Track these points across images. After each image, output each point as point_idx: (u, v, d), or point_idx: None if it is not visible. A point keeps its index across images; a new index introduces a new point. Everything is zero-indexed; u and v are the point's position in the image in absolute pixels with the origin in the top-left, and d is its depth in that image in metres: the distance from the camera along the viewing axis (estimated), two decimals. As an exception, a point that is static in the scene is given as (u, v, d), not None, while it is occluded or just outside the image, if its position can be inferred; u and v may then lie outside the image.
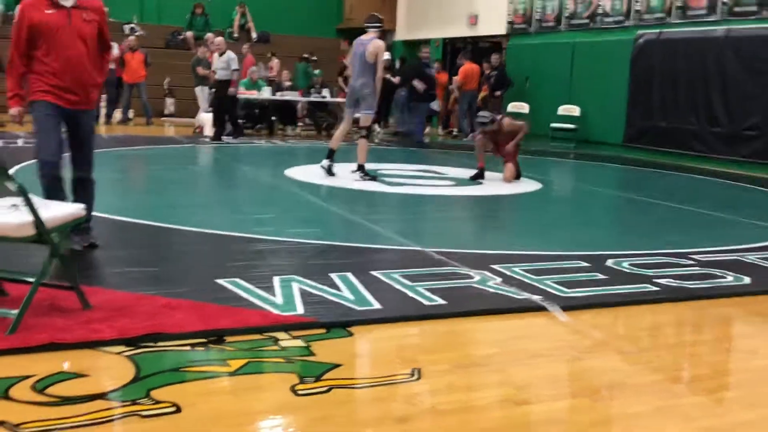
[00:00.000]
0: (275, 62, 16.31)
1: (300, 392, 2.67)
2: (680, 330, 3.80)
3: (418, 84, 13.16)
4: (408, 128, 15.06)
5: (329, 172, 8.32)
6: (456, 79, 15.16)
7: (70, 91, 4.19)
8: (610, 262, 4.76)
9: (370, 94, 8.14)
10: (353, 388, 2.79)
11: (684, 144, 12.11)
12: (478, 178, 8.82)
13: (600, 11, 13.98)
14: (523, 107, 14.81)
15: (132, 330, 3.11)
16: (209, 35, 16.05)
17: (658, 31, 12.67)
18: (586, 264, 4.70)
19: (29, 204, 3.08)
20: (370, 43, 8.09)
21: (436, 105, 14.17)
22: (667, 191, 8.83)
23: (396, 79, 14.67)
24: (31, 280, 3.19)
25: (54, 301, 3.38)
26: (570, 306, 3.81)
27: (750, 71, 11.06)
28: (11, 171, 3.14)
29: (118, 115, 14.94)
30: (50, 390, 2.57)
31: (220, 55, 12.16)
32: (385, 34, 8.30)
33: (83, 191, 4.40)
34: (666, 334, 3.74)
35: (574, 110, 14.22)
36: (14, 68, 4.16)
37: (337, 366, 2.91)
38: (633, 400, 2.78)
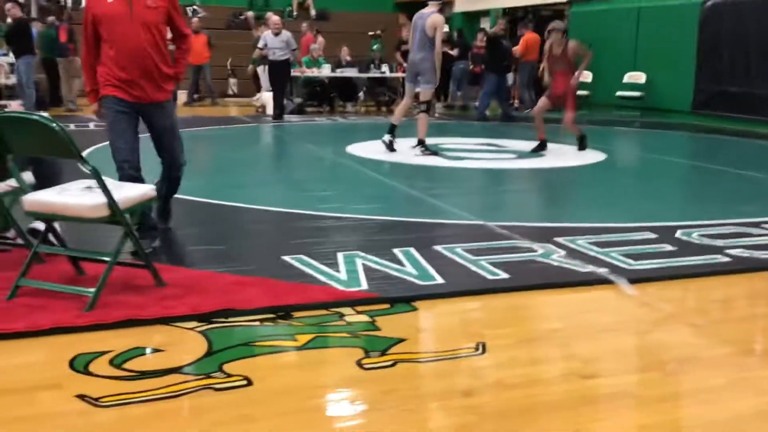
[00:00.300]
0: (320, 40, 16.30)
1: (366, 366, 2.72)
2: (752, 302, 3.70)
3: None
4: (467, 101, 15.08)
5: (390, 147, 8.33)
6: (516, 49, 14.92)
7: (136, 85, 3.97)
8: (678, 233, 4.65)
9: (429, 68, 8.10)
10: (418, 362, 2.83)
11: (755, 110, 11.65)
12: (540, 150, 8.69)
13: (666, -26, 13.50)
14: (587, 75, 14.47)
15: (204, 306, 3.21)
16: (269, 14, 16.18)
17: (727, -8, 12.18)
18: (653, 235, 4.61)
19: (103, 186, 3.20)
20: (429, 17, 8.03)
21: (510, 77, 13.95)
22: (737, 159, 8.55)
23: (454, 52, 14.58)
24: (106, 259, 3.31)
25: (129, 279, 3.51)
26: (637, 278, 3.75)
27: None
28: (84, 153, 3.25)
29: (183, 96, 15.24)
30: (127, 365, 2.68)
31: (276, 34, 12.04)
32: (445, 7, 8.21)
33: (168, 186, 4.39)
34: (737, 307, 3.65)
35: (640, 77, 13.83)
36: (86, 63, 4.08)
37: (401, 340, 2.95)
38: (704, 373, 2.73)
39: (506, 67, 13.27)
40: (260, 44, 12.33)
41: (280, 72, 12.24)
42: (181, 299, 3.29)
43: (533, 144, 8.81)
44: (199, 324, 3.08)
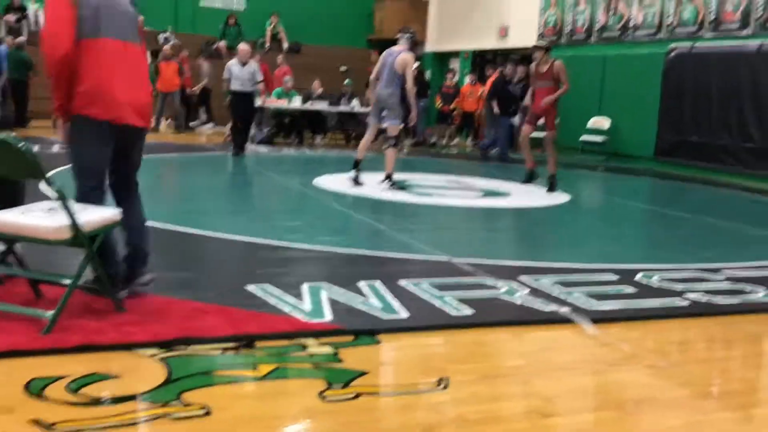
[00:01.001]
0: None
1: (328, 398, 2.69)
2: (710, 345, 3.76)
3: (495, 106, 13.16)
4: (424, 137, 15.34)
5: (356, 182, 8.36)
6: (484, 90, 15.19)
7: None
8: (639, 276, 4.73)
9: (396, 104, 8.19)
10: (380, 395, 2.81)
11: (716, 158, 11.98)
12: (530, 180, 8.78)
13: (631, 24, 13.91)
14: (515, 118, 14.72)
15: (164, 333, 3.17)
16: (241, 45, 16.25)
17: (690, 44, 12.57)
18: (615, 277, 4.68)
19: (66, 207, 3.16)
20: (399, 55, 8.14)
21: (516, 120, 13.96)
22: (697, 206, 8.75)
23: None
24: (66, 282, 3.26)
25: (88, 303, 3.45)
26: (598, 319, 3.80)
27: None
28: (48, 174, 3.21)
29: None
30: (84, 390, 2.63)
31: (243, 65, 11.48)
32: (416, 45, 8.33)
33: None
34: (696, 349, 3.71)
35: (605, 123, 14.14)
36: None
37: (364, 373, 2.94)
38: (662, 414, 2.76)
39: (513, 111, 13.19)
40: (225, 74, 11.59)
41: (244, 105, 11.54)
42: (141, 325, 3.24)
43: (500, 183, 8.92)
44: (159, 351, 3.03)
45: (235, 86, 11.38)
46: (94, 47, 3.37)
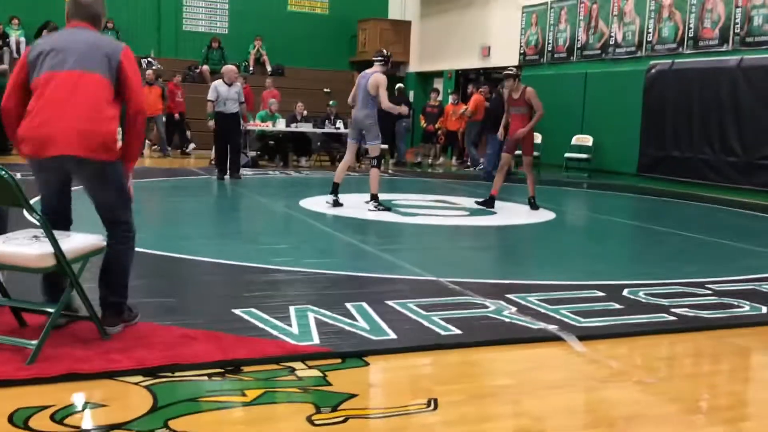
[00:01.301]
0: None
1: (316, 422, 2.67)
2: (698, 360, 3.77)
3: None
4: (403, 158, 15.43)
5: (336, 204, 8.37)
6: (469, 107, 15.30)
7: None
8: (626, 292, 4.74)
9: (373, 124, 8.25)
10: (369, 418, 2.79)
11: (698, 173, 12.09)
12: (487, 205, 8.80)
13: (612, 42, 14.07)
14: (537, 137, 14.86)
15: (150, 360, 3.14)
16: (228, 66, 16.28)
17: (670, 61, 12.72)
18: (601, 294, 4.69)
19: (50, 235, 3.13)
20: (372, 76, 8.22)
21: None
22: (681, 221, 8.81)
23: (401, 109, 14.87)
24: (50, 310, 3.22)
25: (73, 331, 3.41)
26: (586, 336, 3.80)
27: (763, 100, 11.06)
28: (31, 202, 3.19)
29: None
30: (69, 420, 2.59)
31: (230, 85, 11.02)
32: (389, 66, 8.35)
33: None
34: (683, 364, 3.71)
35: (588, 140, 14.25)
36: None
37: (353, 396, 2.92)
38: (651, 430, 2.76)
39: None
40: (211, 95, 11.02)
41: (231, 126, 11.14)
42: (126, 353, 3.21)
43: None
44: (145, 378, 3.00)
45: (221, 107, 10.95)
46: (34, 88, 3.35)
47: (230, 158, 11.17)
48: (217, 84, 11.08)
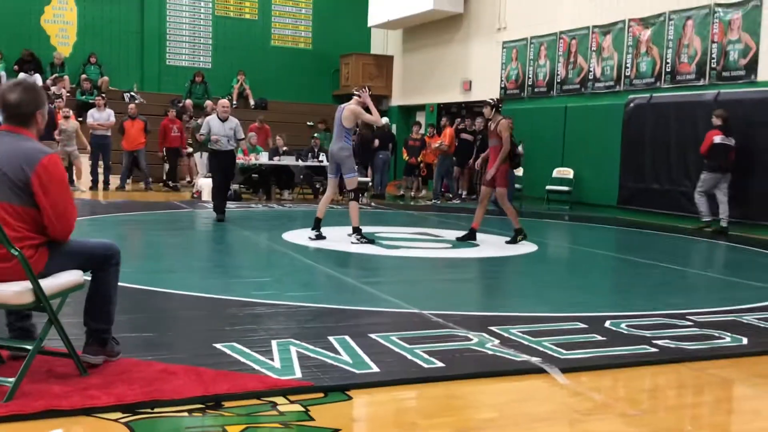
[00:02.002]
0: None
1: (299, 458, 2.64)
2: (681, 391, 3.78)
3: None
4: (382, 191, 15.49)
5: (318, 238, 8.36)
6: (444, 141, 15.48)
7: None
8: (608, 324, 4.76)
9: (348, 156, 8.28)
10: (352, 453, 2.77)
11: (677, 205, 12.21)
12: (468, 238, 8.78)
13: (591, 77, 14.28)
14: (518, 170, 14.99)
15: (129, 396, 3.09)
16: (209, 102, 16.36)
17: (648, 95, 12.92)
18: (583, 325, 4.70)
19: (29, 271, 3.10)
20: (346, 107, 8.28)
21: (520, 171, 13.36)
22: (662, 252, 8.87)
23: (375, 142, 15.03)
24: (28, 347, 3.18)
25: (51, 367, 3.36)
26: (569, 368, 3.80)
27: (740, 134, 11.21)
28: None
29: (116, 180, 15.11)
30: (46, 458, 2.54)
31: (223, 120, 10.16)
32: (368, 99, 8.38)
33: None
34: (666, 396, 3.72)
35: (568, 173, 14.39)
36: None
37: (336, 431, 2.89)
38: (635, 463, 2.75)
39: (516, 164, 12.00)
40: (203, 130, 10.31)
41: (225, 164, 10.29)
42: (105, 389, 3.16)
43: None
44: (124, 415, 2.95)
45: (214, 145, 10.15)
46: None
47: (219, 199, 10.39)
48: (210, 119, 10.35)
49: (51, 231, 3.25)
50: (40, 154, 3.21)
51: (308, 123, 19.11)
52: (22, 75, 17.19)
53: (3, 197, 3.16)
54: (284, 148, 15.14)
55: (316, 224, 8.43)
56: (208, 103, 16.35)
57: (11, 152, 3.20)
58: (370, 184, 15.28)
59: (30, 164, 3.17)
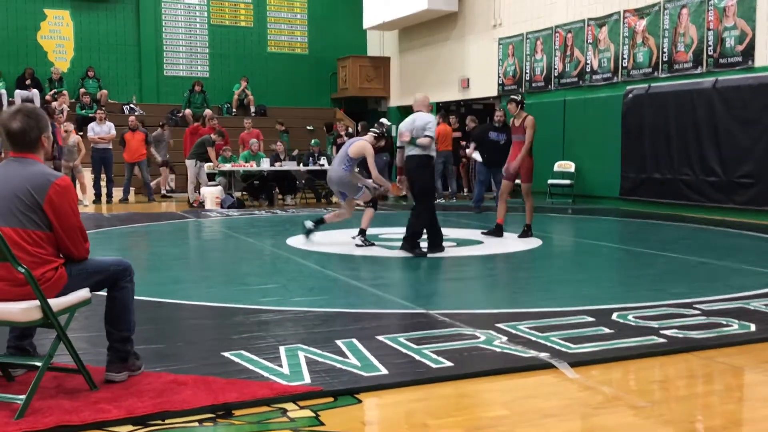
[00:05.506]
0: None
1: (311, 463, 2.65)
2: (691, 381, 3.77)
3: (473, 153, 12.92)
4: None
5: (309, 232, 8.55)
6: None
7: None
8: (615, 316, 4.75)
9: (348, 182, 8.34)
10: (364, 456, 2.77)
11: (680, 194, 12.20)
12: (495, 234, 8.84)
13: (588, 69, 14.27)
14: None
15: (139, 408, 3.10)
16: (207, 111, 16.39)
17: (646, 85, 12.90)
18: (591, 318, 4.70)
19: (36, 288, 3.11)
20: (358, 142, 8.34)
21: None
22: (666, 242, 8.86)
23: (387, 185, 15.10)
24: (38, 364, 3.19)
25: (61, 383, 3.37)
26: (578, 362, 3.80)
27: (739, 120, 11.22)
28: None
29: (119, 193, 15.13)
30: (59, 474, 2.55)
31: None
32: (382, 142, 8.40)
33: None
34: (677, 386, 3.71)
35: (570, 166, 14.38)
36: None
37: (347, 435, 2.89)
38: (647, 455, 2.74)
39: (494, 162, 11.60)
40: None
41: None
42: (115, 402, 3.17)
43: (471, 232, 8.96)
44: (135, 427, 2.96)
45: None
46: None
47: None
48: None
49: (67, 252, 3.31)
50: (51, 177, 3.24)
51: (308, 127, 19.15)
52: (18, 92, 17.24)
53: (17, 223, 3.18)
54: (282, 154, 15.15)
55: (320, 220, 8.61)
56: (207, 112, 16.39)
57: (22, 178, 3.22)
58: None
59: (42, 189, 3.20)
